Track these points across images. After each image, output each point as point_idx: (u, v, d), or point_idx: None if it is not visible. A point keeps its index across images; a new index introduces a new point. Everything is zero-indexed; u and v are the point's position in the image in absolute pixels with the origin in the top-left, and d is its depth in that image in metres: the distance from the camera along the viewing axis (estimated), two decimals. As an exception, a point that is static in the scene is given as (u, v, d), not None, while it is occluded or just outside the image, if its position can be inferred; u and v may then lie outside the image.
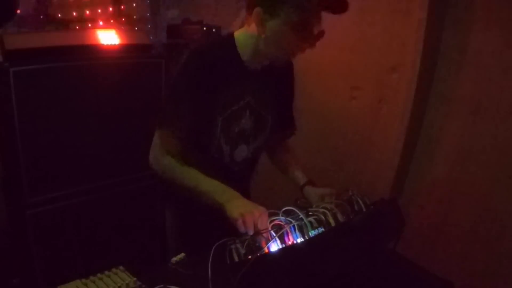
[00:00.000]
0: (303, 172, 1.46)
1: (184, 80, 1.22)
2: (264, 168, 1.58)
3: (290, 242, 1.00)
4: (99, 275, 1.04)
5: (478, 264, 1.66)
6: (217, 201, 1.16)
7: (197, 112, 1.22)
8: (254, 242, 0.99)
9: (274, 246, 0.98)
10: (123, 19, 2.63)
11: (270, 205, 1.14)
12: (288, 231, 1.00)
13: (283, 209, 1.07)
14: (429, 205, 1.85)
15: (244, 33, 1.26)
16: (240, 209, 1.09)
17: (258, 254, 0.94)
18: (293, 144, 1.59)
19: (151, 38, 2.26)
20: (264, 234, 1.00)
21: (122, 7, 2.61)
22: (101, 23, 2.54)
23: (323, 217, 1.07)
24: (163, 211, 1.55)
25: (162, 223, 2.29)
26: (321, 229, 1.05)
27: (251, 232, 1.04)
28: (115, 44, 2.04)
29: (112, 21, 2.57)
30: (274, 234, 0.98)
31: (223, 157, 1.33)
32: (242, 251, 0.98)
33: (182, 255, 1.18)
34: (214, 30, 2.41)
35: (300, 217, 1.03)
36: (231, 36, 1.28)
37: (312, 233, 1.03)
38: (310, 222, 1.04)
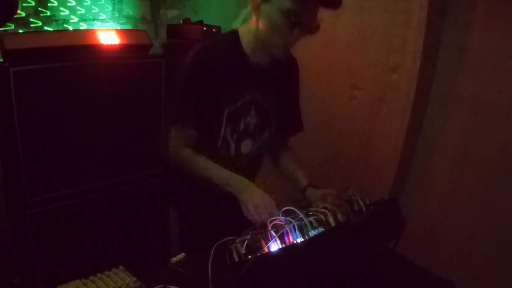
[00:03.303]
0: (305, 175, 1.47)
1: (192, 77, 1.27)
2: (264, 168, 1.58)
3: (290, 242, 1.00)
4: (99, 275, 1.04)
5: (478, 264, 1.66)
6: (232, 190, 1.22)
7: (206, 106, 1.27)
8: (254, 242, 0.99)
9: (274, 246, 0.98)
10: (123, 19, 2.63)
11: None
12: (288, 231, 1.00)
13: (283, 209, 1.07)
14: (429, 205, 1.85)
15: (246, 28, 1.31)
16: (255, 199, 1.16)
17: (258, 254, 0.95)
18: (293, 144, 1.59)
19: (151, 38, 2.26)
20: (264, 234, 1.00)
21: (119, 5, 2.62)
22: (101, 23, 2.55)
23: (323, 217, 1.07)
24: (165, 210, 1.55)
25: (162, 223, 2.29)
26: (321, 229, 1.05)
27: (264, 219, 1.08)
28: (115, 44, 2.04)
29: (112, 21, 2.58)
30: (274, 234, 0.98)
31: (229, 152, 1.37)
32: (242, 251, 0.98)
33: (182, 255, 1.18)
34: (214, 30, 2.41)
35: (300, 217, 1.03)
36: (235, 32, 1.32)
37: (312, 233, 1.03)
38: (310, 222, 1.04)
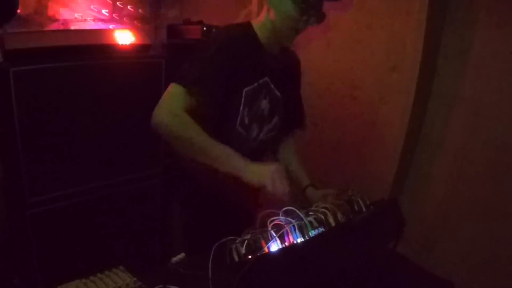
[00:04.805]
0: (305, 175, 1.47)
1: (213, 49, 1.27)
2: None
3: (290, 242, 0.99)
4: (99, 275, 1.04)
5: (478, 264, 1.66)
6: (233, 166, 1.17)
7: (223, 80, 1.26)
8: (254, 242, 0.99)
9: (274, 246, 0.98)
10: (123, 19, 2.64)
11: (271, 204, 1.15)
12: (288, 231, 1.00)
13: (283, 209, 1.07)
14: (429, 205, 1.85)
15: (257, 19, 1.38)
16: (264, 173, 1.15)
17: (258, 254, 0.95)
18: (296, 144, 1.60)
19: (151, 38, 2.26)
20: (264, 234, 1.00)
21: (119, 5, 2.62)
22: (101, 23, 2.55)
23: (323, 217, 1.07)
24: (165, 210, 1.54)
25: (162, 223, 2.29)
26: (321, 229, 1.05)
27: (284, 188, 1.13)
28: (115, 44, 2.04)
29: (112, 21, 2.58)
30: (274, 234, 0.98)
31: (243, 134, 1.39)
32: (242, 251, 0.98)
33: (182, 255, 1.18)
34: (214, 30, 2.40)
35: (300, 217, 1.03)
36: (249, 22, 1.39)
37: (312, 233, 1.03)
38: (310, 222, 1.04)
